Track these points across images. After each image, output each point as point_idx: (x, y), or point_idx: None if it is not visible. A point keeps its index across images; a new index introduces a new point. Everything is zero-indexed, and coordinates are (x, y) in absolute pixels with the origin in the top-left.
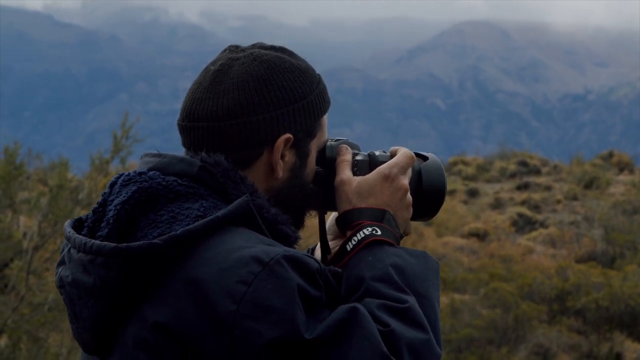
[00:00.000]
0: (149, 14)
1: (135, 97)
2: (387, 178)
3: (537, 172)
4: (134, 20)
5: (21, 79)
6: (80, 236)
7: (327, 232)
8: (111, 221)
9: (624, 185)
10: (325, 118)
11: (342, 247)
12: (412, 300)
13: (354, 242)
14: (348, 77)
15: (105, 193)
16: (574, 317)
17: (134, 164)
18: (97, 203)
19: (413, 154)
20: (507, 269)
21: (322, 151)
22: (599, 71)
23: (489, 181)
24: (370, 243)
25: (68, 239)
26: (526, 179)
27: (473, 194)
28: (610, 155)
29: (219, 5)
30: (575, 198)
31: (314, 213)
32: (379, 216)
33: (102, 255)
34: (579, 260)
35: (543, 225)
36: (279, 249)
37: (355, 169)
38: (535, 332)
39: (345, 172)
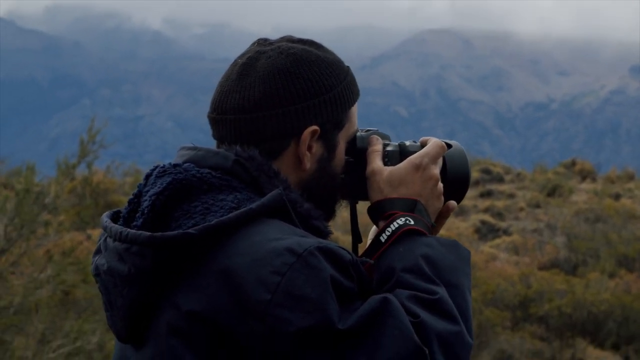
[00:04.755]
0: (112, 21)
1: (98, 103)
2: (418, 168)
3: (500, 180)
4: (96, 27)
5: None
6: (116, 225)
7: None
8: (146, 211)
9: (587, 193)
10: (354, 109)
11: (376, 238)
12: (442, 291)
13: (387, 233)
14: None
15: (140, 184)
16: (536, 323)
17: (99, 169)
18: (133, 194)
19: (444, 143)
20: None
21: (352, 142)
22: (562, 80)
23: None
24: (402, 233)
25: (105, 228)
26: (489, 186)
27: None
28: (573, 163)
29: (182, 12)
30: (538, 206)
31: (345, 203)
32: (410, 206)
33: (137, 244)
34: (541, 268)
35: (506, 232)
36: (312, 241)
37: (386, 159)
38: (498, 339)
39: (376, 162)
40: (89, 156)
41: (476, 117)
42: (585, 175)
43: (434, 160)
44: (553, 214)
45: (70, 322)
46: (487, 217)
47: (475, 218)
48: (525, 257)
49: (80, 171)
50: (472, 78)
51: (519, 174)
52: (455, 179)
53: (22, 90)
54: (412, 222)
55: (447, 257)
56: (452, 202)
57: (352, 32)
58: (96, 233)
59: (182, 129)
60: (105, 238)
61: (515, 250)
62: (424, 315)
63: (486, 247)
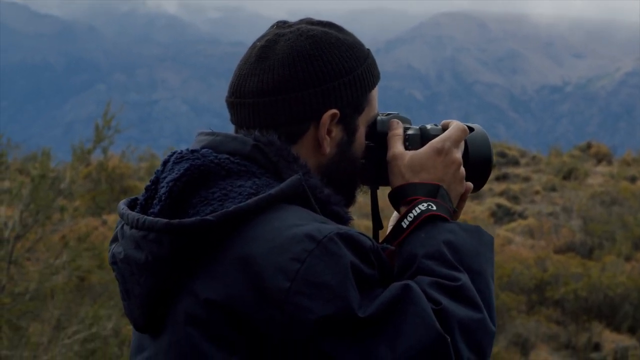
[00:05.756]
0: (127, 5)
1: (113, 88)
2: (440, 152)
3: (516, 163)
4: (111, 11)
5: None
6: (134, 213)
7: None
8: (163, 198)
9: (602, 176)
10: (375, 92)
11: (398, 224)
12: (464, 277)
13: (409, 219)
14: None
15: (158, 171)
16: (552, 307)
17: (114, 154)
18: (150, 181)
19: (465, 126)
20: None
21: (372, 126)
22: (577, 63)
23: None
24: (424, 219)
25: (121, 215)
26: (505, 169)
27: None
28: (589, 146)
29: None
30: (553, 189)
31: (365, 189)
32: (432, 191)
33: (154, 231)
34: (557, 251)
35: (522, 216)
36: (332, 227)
37: (407, 143)
38: (514, 322)
39: (397, 147)
40: (104, 141)
41: (491, 100)
42: (601, 158)
43: (456, 144)
44: (569, 197)
45: (85, 308)
46: (502, 201)
47: (490, 201)
48: (540, 240)
49: (96, 156)
50: (487, 61)
51: (534, 157)
52: (478, 163)
53: (36, 75)
54: (434, 208)
55: (469, 243)
56: (469, 183)
57: (366, 15)
58: (111, 218)
59: (196, 113)
60: (122, 226)
61: (530, 233)
62: (446, 302)
63: (502, 231)
